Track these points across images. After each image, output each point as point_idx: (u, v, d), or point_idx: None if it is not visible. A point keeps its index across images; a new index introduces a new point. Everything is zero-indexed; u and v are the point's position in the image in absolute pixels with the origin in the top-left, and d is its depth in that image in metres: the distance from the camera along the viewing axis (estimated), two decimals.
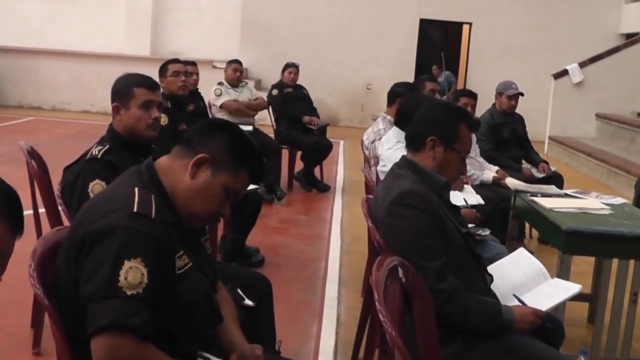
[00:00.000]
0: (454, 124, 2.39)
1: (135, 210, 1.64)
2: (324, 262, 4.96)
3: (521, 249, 2.80)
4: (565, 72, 10.71)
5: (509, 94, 5.74)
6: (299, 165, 7.23)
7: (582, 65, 10.65)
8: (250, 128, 6.52)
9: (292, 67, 7.32)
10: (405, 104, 3.67)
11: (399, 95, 4.18)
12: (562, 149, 10.23)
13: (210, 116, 6.17)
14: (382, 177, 3.40)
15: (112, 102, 2.78)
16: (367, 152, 4.17)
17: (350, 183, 7.60)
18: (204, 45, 12.48)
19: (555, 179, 5.59)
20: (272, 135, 7.13)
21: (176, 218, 1.76)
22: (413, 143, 2.44)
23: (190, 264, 1.75)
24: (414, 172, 2.35)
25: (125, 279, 1.55)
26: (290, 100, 7.23)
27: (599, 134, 10.46)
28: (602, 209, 3.46)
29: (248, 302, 2.47)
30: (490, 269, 2.47)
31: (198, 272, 1.79)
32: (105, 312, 1.53)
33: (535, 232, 5.75)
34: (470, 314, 2.19)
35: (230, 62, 6.80)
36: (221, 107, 6.57)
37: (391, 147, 3.44)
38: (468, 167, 3.42)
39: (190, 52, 11.66)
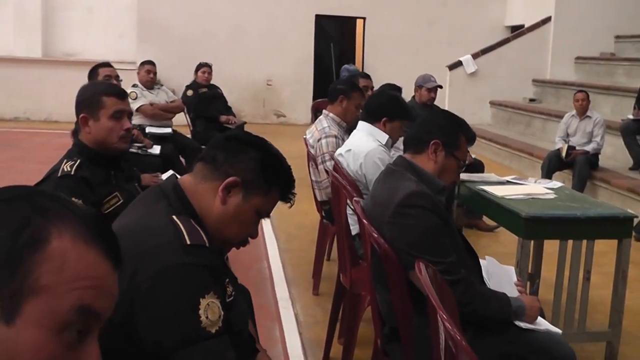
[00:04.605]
0: (456, 132, 2.44)
1: (188, 242, 1.49)
2: (266, 262, 4.94)
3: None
4: (459, 64, 11.15)
5: (429, 87, 5.95)
6: None
7: (475, 56, 11.13)
8: (169, 130, 6.36)
9: (205, 67, 7.19)
10: (374, 99, 3.79)
11: (340, 92, 4.21)
12: None
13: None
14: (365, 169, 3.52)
15: (79, 113, 2.60)
16: (312, 151, 4.16)
17: None
18: (98, 46, 11.94)
19: (477, 166, 5.85)
20: (189, 136, 6.98)
21: (211, 243, 1.60)
22: (414, 145, 2.46)
23: (234, 290, 1.64)
24: (414, 174, 2.37)
25: (207, 317, 1.44)
26: (206, 100, 7.12)
27: (494, 120, 11.00)
28: (547, 193, 3.66)
29: None
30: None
31: (240, 298, 1.69)
32: (203, 358, 1.44)
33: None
34: (487, 301, 2.25)
35: (142, 64, 6.56)
36: (137, 110, 6.35)
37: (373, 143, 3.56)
38: None
39: (84, 53, 11.17)
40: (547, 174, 6.79)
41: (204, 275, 1.47)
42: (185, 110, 7.13)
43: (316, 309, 4.08)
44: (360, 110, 4.30)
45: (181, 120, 7.61)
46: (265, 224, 5.88)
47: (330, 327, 3.47)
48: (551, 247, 3.94)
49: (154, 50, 11.80)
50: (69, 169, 2.49)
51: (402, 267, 2.24)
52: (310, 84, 12.79)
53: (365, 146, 3.52)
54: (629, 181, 6.49)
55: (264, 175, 1.65)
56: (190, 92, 7.06)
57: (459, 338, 1.54)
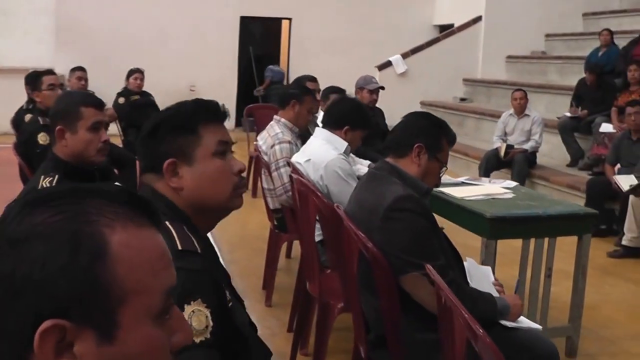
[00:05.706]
0: (438, 134, 2.44)
1: (180, 248, 1.43)
2: None
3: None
4: (389, 64, 11.17)
5: (370, 88, 5.90)
6: None
7: (405, 56, 11.17)
8: None
9: (137, 73, 6.93)
10: (336, 105, 3.69)
11: (292, 97, 4.10)
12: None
13: None
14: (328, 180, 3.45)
15: (54, 126, 2.45)
16: (266, 158, 4.03)
17: None
18: (15, 52, 11.32)
19: None
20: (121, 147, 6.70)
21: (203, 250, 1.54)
22: (397, 149, 2.45)
23: (231, 295, 1.57)
24: (398, 177, 2.36)
25: (190, 325, 1.34)
26: (138, 107, 6.85)
27: None
28: (505, 193, 3.67)
29: None
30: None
31: (236, 301, 1.61)
32: None
33: None
34: (475, 302, 2.26)
35: (73, 70, 6.29)
36: None
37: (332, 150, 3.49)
38: None
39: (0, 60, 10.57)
40: (485, 174, 6.87)
41: (194, 281, 1.40)
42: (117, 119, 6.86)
43: (271, 321, 3.99)
44: (312, 115, 4.22)
45: (112, 129, 7.30)
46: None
47: (296, 338, 3.37)
48: (503, 246, 3.97)
49: (74, 56, 11.28)
50: (47, 186, 2.36)
51: (392, 272, 2.22)
52: (234, 89, 12.59)
53: (325, 156, 3.43)
54: (568, 178, 6.66)
55: (182, 128, 1.60)
56: (121, 100, 6.78)
57: (482, 334, 1.53)
